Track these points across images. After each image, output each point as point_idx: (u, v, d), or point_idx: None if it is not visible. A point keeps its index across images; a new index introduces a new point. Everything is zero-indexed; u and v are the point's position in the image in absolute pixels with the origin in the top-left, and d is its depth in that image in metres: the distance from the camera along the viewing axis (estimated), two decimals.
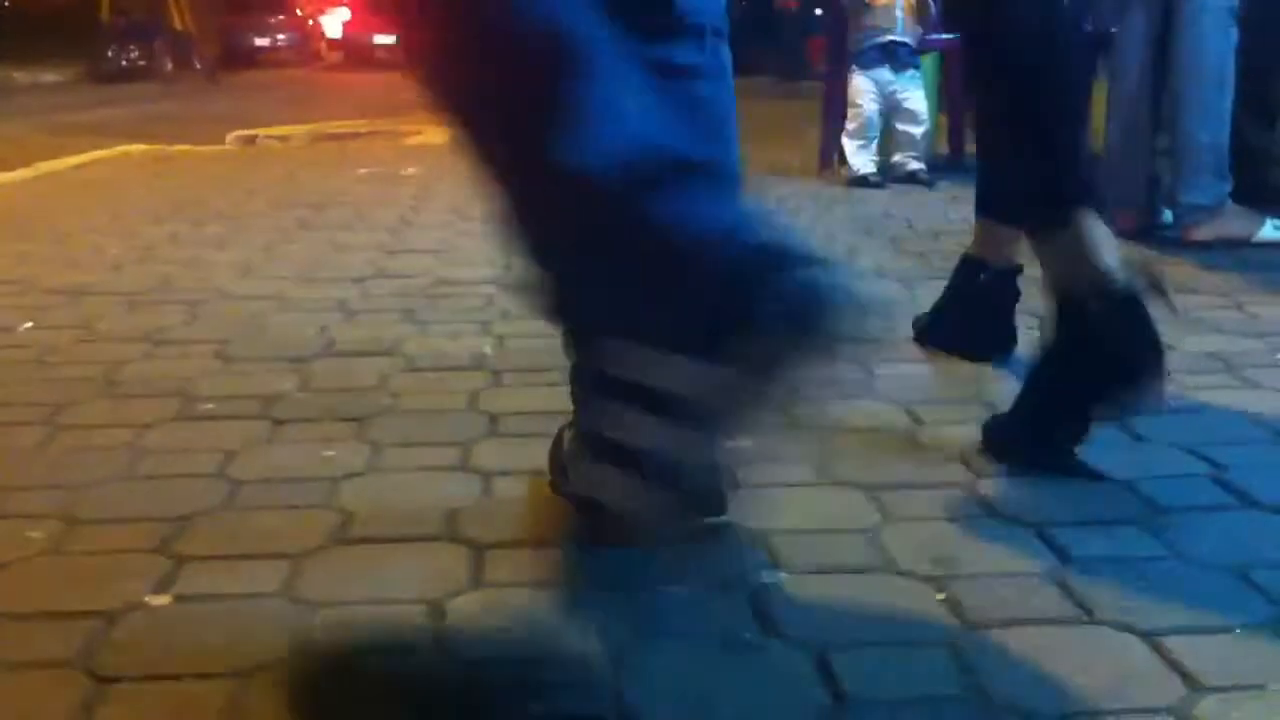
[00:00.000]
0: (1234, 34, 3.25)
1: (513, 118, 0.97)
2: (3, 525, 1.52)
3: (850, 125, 4.82)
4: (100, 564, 1.41)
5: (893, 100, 4.80)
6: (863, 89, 4.80)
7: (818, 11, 17.56)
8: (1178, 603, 1.29)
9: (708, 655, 1.19)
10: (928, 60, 5.18)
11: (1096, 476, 1.60)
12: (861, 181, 4.65)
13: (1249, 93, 3.43)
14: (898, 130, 4.85)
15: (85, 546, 1.46)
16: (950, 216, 3.93)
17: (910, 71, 4.84)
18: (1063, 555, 1.40)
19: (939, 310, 2.28)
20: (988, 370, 2.14)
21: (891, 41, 4.81)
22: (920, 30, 4.91)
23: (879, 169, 4.75)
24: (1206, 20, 3.24)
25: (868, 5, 4.84)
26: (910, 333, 2.31)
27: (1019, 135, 1.67)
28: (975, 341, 2.20)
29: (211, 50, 18.02)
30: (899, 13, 4.83)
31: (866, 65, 4.82)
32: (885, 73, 4.81)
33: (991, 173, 2.13)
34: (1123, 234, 3.42)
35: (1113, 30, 3.81)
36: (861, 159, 4.73)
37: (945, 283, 2.28)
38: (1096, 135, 3.79)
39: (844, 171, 4.80)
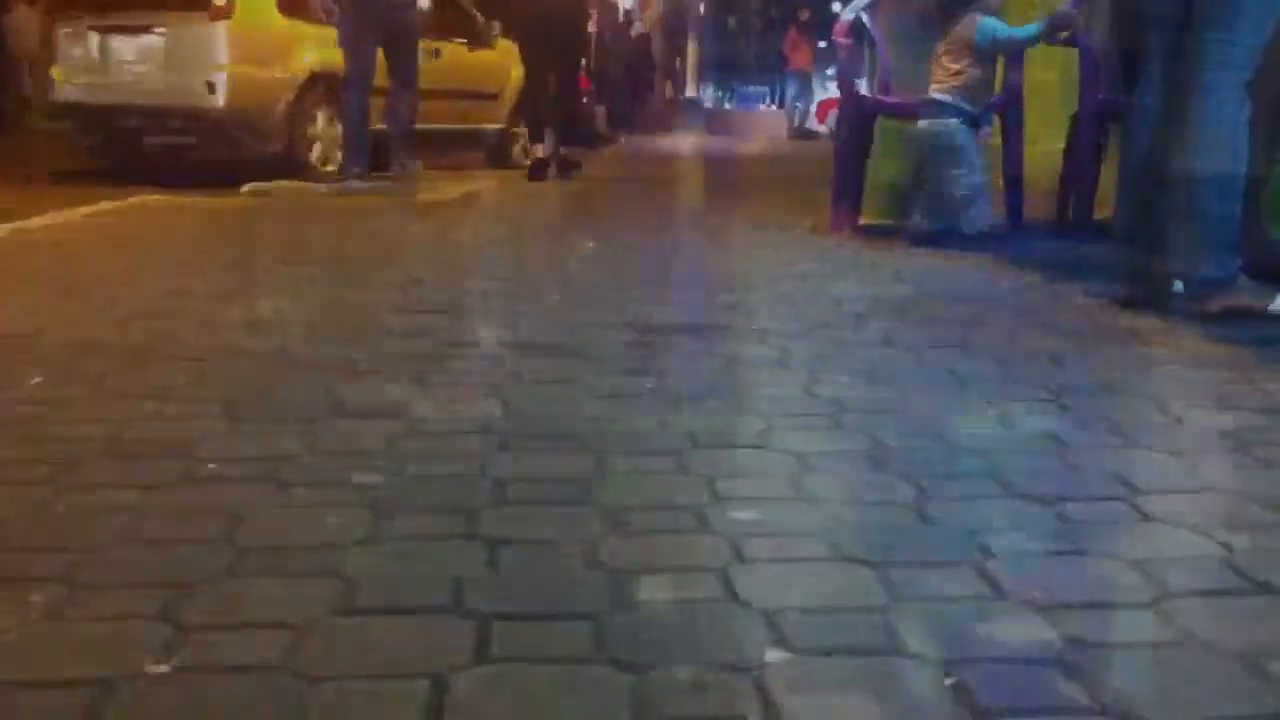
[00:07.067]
0: (1248, 106, 3.25)
1: None
2: (4, 589, 1.51)
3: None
4: (101, 631, 1.40)
5: (922, 156, 4.79)
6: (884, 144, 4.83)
7: (829, 72, 17.71)
8: (1191, 693, 1.27)
9: None
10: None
11: None
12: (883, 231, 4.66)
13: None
14: (944, 195, 4.83)
15: (86, 612, 1.45)
16: (962, 283, 3.93)
17: (949, 127, 4.79)
18: (1074, 640, 1.38)
19: None
20: (999, 445, 2.14)
21: (933, 100, 4.80)
22: (965, 91, 4.82)
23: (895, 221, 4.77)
24: (1219, 92, 3.24)
25: (907, 63, 4.87)
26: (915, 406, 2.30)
27: None
28: None
29: None
30: (940, 71, 4.81)
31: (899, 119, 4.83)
32: (917, 128, 4.81)
33: None
34: (1133, 305, 3.44)
35: (1123, 100, 3.83)
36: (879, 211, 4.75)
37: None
38: (1107, 205, 3.80)
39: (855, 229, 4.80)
